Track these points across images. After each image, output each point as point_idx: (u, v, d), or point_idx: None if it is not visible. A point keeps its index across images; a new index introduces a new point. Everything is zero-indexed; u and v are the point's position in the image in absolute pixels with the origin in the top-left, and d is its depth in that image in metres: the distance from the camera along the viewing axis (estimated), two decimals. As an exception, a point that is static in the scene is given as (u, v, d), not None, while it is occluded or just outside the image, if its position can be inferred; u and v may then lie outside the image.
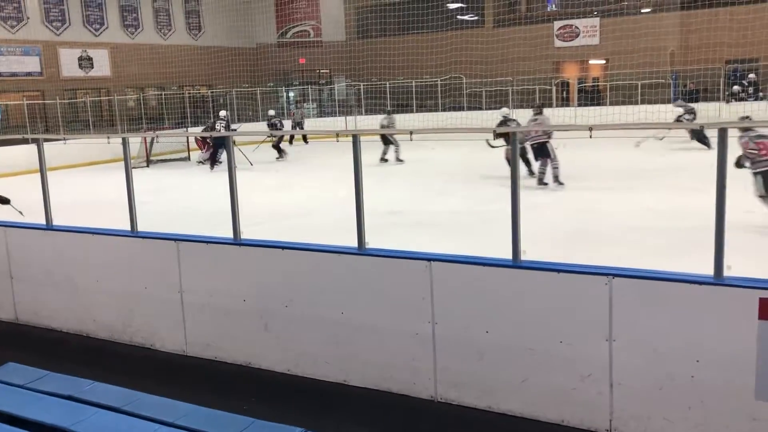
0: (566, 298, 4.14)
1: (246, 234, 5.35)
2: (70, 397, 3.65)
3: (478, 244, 5.31)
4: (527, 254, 4.31)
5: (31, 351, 5.86)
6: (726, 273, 3.77)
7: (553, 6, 28.52)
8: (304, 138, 24.25)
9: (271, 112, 21.15)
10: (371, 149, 15.49)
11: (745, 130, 8.37)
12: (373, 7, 29.06)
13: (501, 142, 12.94)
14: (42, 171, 6.42)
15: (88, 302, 6.14)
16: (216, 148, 17.60)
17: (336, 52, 29.51)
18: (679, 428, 3.88)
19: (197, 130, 21.99)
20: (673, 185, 11.74)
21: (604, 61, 26.66)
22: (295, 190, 14.08)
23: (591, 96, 24.78)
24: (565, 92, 26.07)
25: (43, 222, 6.42)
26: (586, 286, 4.07)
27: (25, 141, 15.17)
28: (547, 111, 22.37)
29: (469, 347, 4.43)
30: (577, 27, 26.58)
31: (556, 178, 12.08)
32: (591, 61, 27.53)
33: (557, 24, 26.93)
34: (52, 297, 6.42)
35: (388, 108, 22.12)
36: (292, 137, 23.28)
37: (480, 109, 24.11)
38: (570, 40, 26.75)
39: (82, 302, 6.18)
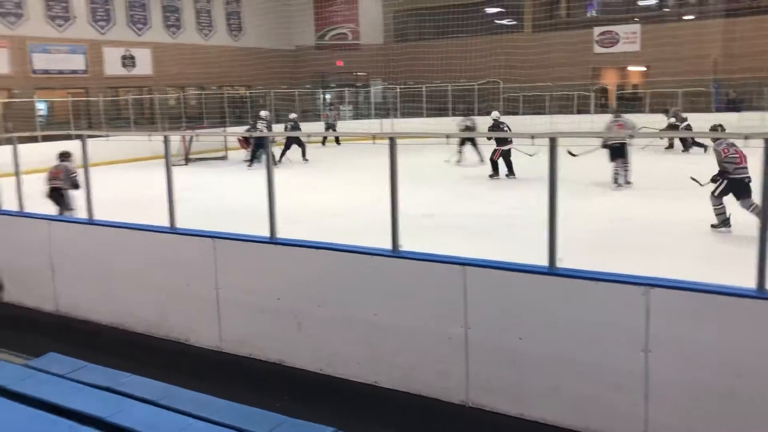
0: (602, 307, 4.10)
1: (280, 233, 5.41)
2: (108, 389, 3.72)
3: (512, 250, 5.28)
4: (564, 261, 4.28)
5: (70, 342, 6.00)
6: (768, 286, 3.70)
7: (594, 12, 28.20)
8: (337, 140, 24.53)
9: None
10: (406, 152, 15.49)
11: (716, 139, 8.91)
12: (411, 10, 29.06)
13: (581, 149, 13.23)
14: (85, 167, 6.58)
15: (127, 296, 6.26)
16: (257, 148, 17.88)
17: (373, 55, 29.60)
18: (715, 443, 3.82)
19: (235, 130, 22.27)
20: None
21: (644, 68, 26.25)
22: (328, 190, 14.16)
23: (630, 103, 24.41)
24: (603, 99, 25.72)
25: (85, 216, 6.57)
26: (623, 296, 4.02)
27: (68, 137, 15.53)
28: (584, 117, 22.22)
29: (502, 353, 4.41)
30: (617, 33, 26.23)
31: (626, 180, 13.00)
32: (631, 68, 27.14)
33: (597, 30, 26.60)
34: (91, 290, 6.56)
35: (465, 108, 22.19)
36: (324, 138, 23.77)
37: (516, 113, 23.94)
38: (610, 47, 26.40)
39: (121, 296, 6.30)
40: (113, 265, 6.35)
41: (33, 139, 16.01)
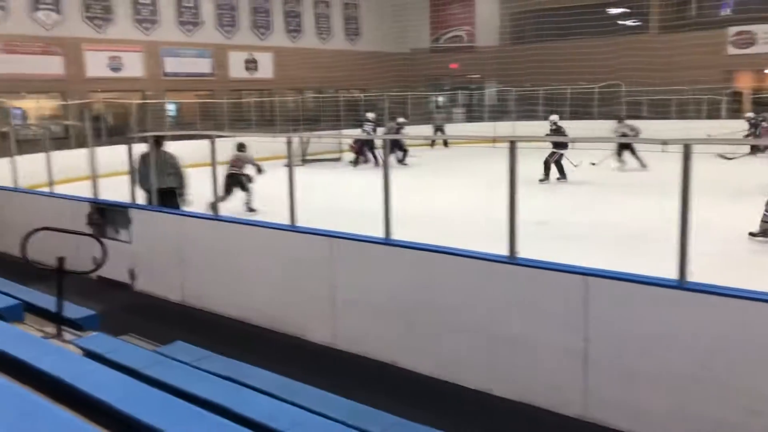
0: (737, 325, 3.82)
1: (395, 235, 5.44)
2: (230, 379, 3.88)
3: (635, 261, 5.04)
4: (695, 275, 4.03)
5: (195, 331, 6.30)
6: None
7: (728, 11, 26.52)
8: (445, 142, 24.53)
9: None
10: (522, 156, 15.19)
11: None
12: (529, 12, 28.50)
13: (737, 152, 12.70)
14: (213, 166, 6.91)
15: (248, 290, 6.52)
16: (360, 149, 18.37)
17: (489, 57, 29.29)
18: None
19: (350, 132, 22.73)
20: None
21: (785, 71, 24.41)
22: (437, 193, 14.15)
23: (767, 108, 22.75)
24: (737, 103, 24.13)
25: (212, 212, 6.90)
26: (761, 315, 3.74)
27: (196, 137, 16.39)
28: (712, 123, 20.93)
29: (624, 368, 4.22)
30: (755, 33, 24.53)
31: None
32: (768, 71, 25.32)
33: (732, 30, 25.00)
34: (215, 283, 6.88)
35: (623, 114, 21.63)
36: (433, 141, 23.84)
37: (639, 117, 22.92)
38: (746, 47, 24.72)
39: (243, 290, 6.57)
40: (236, 260, 6.63)
41: (163, 138, 17.02)
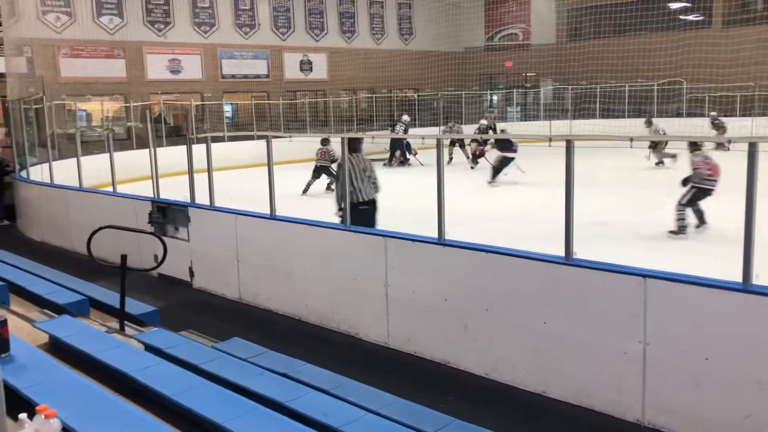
0: (806, 330, 3.67)
1: (448, 234, 5.42)
2: (285, 375, 3.94)
3: (697, 263, 4.90)
4: (760, 278, 3.89)
5: (251, 328, 6.42)
6: None
7: (797, 2, 25.44)
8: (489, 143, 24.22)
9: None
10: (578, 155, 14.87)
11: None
12: (586, 8, 27.94)
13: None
14: (269, 165, 7.01)
15: (302, 289, 6.60)
16: (392, 150, 18.59)
17: (544, 55, 28.84)
18: None
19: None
20: None
21: None
22: (491, 193, 14.03)
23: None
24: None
25: (268, 212, 7.01)
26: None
27: (252, 137, 16.70)
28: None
29: (685, 373, 4.10)
30: (824, 26, 23.50)
31: None
32: (842, 64, 24.15)
33: (800, 23, 24.00)
34: (270, 281, 6.99)
35: (714, 113, 21.27)
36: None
37: (702, 116, 22.21)
38: (815, 41, 23.68)
39: (297, 288, 6.65)
40: (291, 259, 6.72)
41: (221, 139, 17.41)
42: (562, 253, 4.71)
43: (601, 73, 24.57)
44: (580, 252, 4.70)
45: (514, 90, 29.85)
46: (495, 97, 30.35)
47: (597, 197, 12.15)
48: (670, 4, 25.82)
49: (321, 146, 14.54)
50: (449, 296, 5.35)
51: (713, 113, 20.99)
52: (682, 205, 9.01)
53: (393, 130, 19.98)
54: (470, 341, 5.22)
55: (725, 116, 21.25)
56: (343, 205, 6.53)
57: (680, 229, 8.96)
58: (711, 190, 8.96)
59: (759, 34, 23.25)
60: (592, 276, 4.52)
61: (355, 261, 6.09)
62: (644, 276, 4.22)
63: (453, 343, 5.34)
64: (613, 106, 24.43)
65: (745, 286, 3.90)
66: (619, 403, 4.41)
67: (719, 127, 20.12)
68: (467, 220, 9.65)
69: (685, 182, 9.08)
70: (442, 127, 20.69)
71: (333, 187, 12.45)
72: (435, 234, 5.45)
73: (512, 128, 25.98)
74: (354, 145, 7.42)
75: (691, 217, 9.08)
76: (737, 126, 19.37)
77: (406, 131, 19.73)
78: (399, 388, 4.22)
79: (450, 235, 5.46)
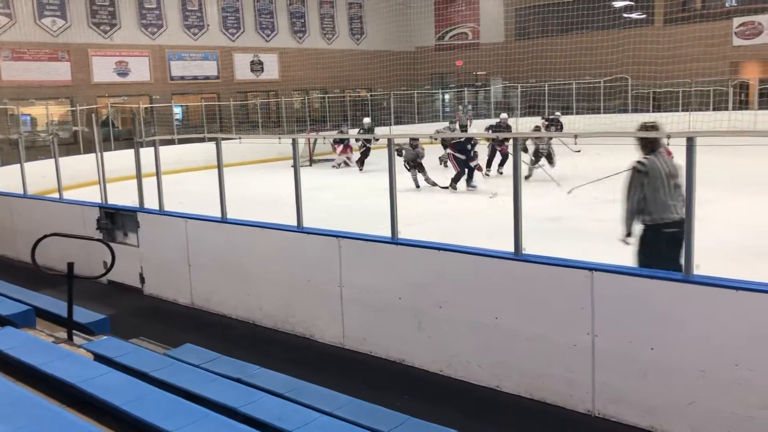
0: (745, 318, 3.82)
1: (402, 234, 5.46)
2: (239, 380, 3.90)
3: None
4: (700, 268, 4.03)
5: (204, 334, 6.35)
6: None
7: (733, 1, 26.34)
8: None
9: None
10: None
11: None
12: (533, 7, 28.42)
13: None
14: (219, 168, 6.94)
15: (256, 291, 6.55)
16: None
17: (494, 54, 29.19)
18: None
19: (355, 132, 22.75)
20: None
21: (792, 61, 24.21)
22: (447, 192, 14.12)
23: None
24: (743, 95, 23.97)
25: (218, 215, 6.93)
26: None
27: (202, 139, 16.48)
28: (719, 115, 20.78)
29: (632, 363, 4.21)
30: (760, 23, 24.36)
31: None
32: (776, 61, 25.10)
33: (737, 21, 24.83)
34: (223, 285, 6.91)
35: (558, 113, 21.27)
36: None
37: (647, 111, 22.81)
38: (752, 38, 24.54)
39: (251, 291, 6.60)
40: (244, 262, 6.66)
41: (171, 142, 17.13)
42: (512, 249, 4.78)
43: (549, 71, 25.04)
44: (533, 247, 4.78)
45: (465, 89, 30.14)
46: (447, 96, 30.58)
47: (550, 196, 12.41)
48: (614, 3, 26.44)
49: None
50: (403, 295, 5.39)
51: (558, 113, 19.19)
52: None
53: (340, 132, 19.95)
54: (424, 339, 5.26)
55: (669, 111, 21.84)
56: (634, 227, 5.14)
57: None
58: None
59: (697, 32, 24.00)
60: (541, 270, 4.60)
61: (309, 262, 6.07)
62: (591, 269, 4.32)
63: (408, 342, 5.38)
64: (562, 104, 24.88)
65: (686, 277, 4.03)
66: (570, 395, 4.50)
67: (553, 125, 17.98)
68: (424, 219, 9.74)
69: None
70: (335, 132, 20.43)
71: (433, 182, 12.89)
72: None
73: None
74: (652, 145, 5.34)
75: None
76: (676, 121, 19.91)
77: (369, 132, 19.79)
78: (354, 388, 4.23)
79: (409, 233, 5.50)
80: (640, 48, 23.51)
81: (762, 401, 3.76)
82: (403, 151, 13.98)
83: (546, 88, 25.48)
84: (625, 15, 27.14)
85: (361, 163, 18.51)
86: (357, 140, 19.46)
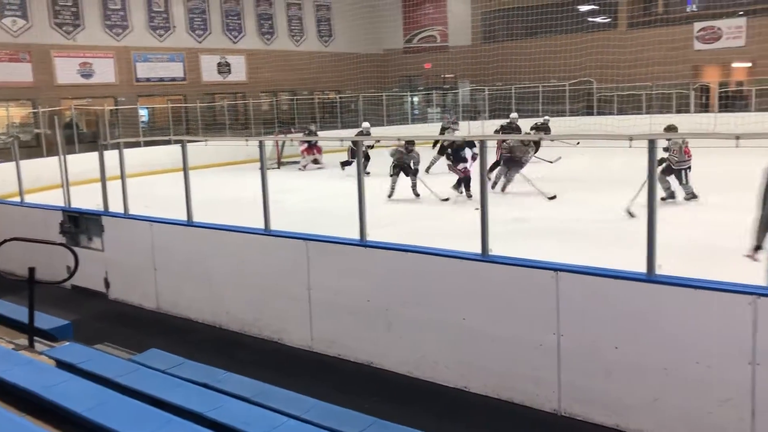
0: (705, 316, 3.90)
1: (371, 236, 5.46)
2: (205, 385, 3.86)
3: (608, 256, 5.12)
4: (662, 269, 4.10)
5: (170, 338, 6.27)
6: None
7: (693, 6, 26.90)
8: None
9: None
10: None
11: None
12: (500, 11, 28.65)
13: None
14: (185, 171, 6.86)
15: (223, 295, 6.49)
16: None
17: (461, 57, 29.39)
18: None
19: (325, 134, 22.68)
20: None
21: (749, 65, 24.81)
22: (423, 193, 14.17)
23: (734, 102, 23.14)
24: (704, 98, 24.49)
25: (184, 218, 6.85)
26: (727, 305, 3.82)
27: (168, 142, 16.27)
28: (681, 118, 21.20)
29: (597, 362, 4.28)
30: (719, 28, 24.91)
31: None
32: (735, 65, 25.71)
33: (697, 25, 25.37)
34: (189, 289, 6.84)
35: (454, 117, 21.24)
36: (436, 142, 23.43)
37: (611, 114, 23.17)
38: (712, 43, 25.10)
39: (217, 295, 6.54)
40: (210, 265, 6.60)
41: (136, 144, 16.87)
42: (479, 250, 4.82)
43: (516, 74, 25.28)
44: (502, 248, 4.83)
45: (434, 91, 30.27)
46: (416, 99, 30.67)
47: (518, 195, 12.52)
48: (578, 7, 26.83)
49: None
50: (372, 297, 5.39)
51: (547, 116, 19.25)
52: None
53: (306, 133, 19.80)
54: (393, 341, 5.27)
55: (633, 113, 22.20)
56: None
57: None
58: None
59: (659, 36, 24.48)
60: (507, 271, 4.65)
61: (277, 265, 6.04)
62: (556, 270, 4.38)
63: (376, 344, 5.38)
64: (528, 106, 25.14)
65: (649, 276, 4.10)
66: (537, 395, 4.55)
67: (543, 131, 17.20)
68: (397, 221, 9.75)
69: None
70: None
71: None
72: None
73: (429, 129, 26.30)
74: None
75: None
76: (639, 124, 20.22)
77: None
78: (323, 391, 4.22)
79: (378, 236, 5.51)
80: (604, 52, 23.89)
81: (720, 398, 3.85)
82: (396, 155, 13.24)
83: (513, 90, 25.72)
84: (589, 19, 27.57)
85: (345, 164, 18.37)
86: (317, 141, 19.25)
